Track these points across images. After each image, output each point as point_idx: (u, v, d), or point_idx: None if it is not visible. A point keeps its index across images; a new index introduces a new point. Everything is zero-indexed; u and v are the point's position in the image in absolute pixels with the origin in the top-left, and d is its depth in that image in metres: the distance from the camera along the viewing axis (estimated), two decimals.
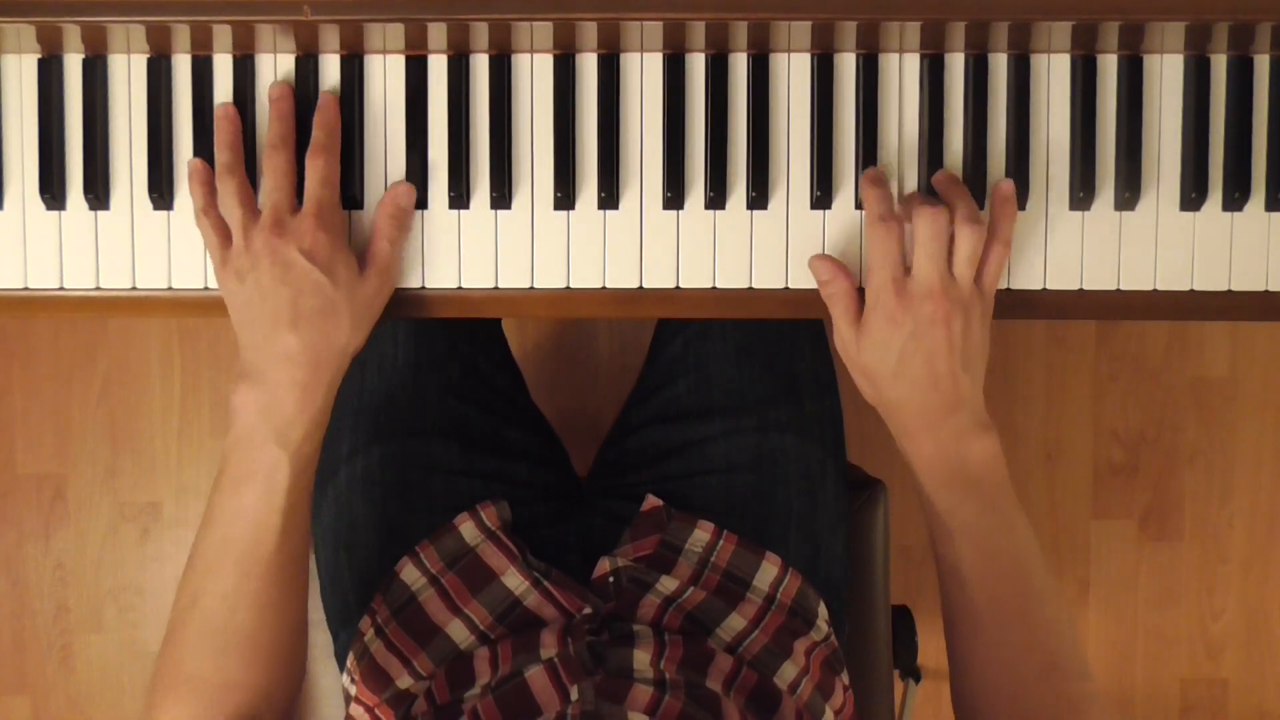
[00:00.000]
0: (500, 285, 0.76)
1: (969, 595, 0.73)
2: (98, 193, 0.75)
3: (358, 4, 0.70)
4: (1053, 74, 0.76)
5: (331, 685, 0.99)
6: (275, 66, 0.75)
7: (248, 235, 0.71)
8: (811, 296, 0.76)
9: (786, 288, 0.76)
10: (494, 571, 0.83)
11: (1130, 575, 1.63)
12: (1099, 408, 1.63)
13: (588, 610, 0.79)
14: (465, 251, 0.76)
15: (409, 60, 0.75)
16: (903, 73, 0.76)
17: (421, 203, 0.75)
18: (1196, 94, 0.75)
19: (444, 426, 0.90)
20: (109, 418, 1.61)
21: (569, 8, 0.70)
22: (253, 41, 0.74)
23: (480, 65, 0.75)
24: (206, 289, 0.76)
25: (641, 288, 0.76)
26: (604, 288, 0.76)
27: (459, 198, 0.75)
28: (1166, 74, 0.76)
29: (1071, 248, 0.76)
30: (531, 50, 0.75)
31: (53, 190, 0.75)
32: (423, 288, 0.76)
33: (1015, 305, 0.77)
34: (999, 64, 0.76)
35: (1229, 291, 0.77)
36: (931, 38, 0.73)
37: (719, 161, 0.75)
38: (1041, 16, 0.70)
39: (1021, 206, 0.76)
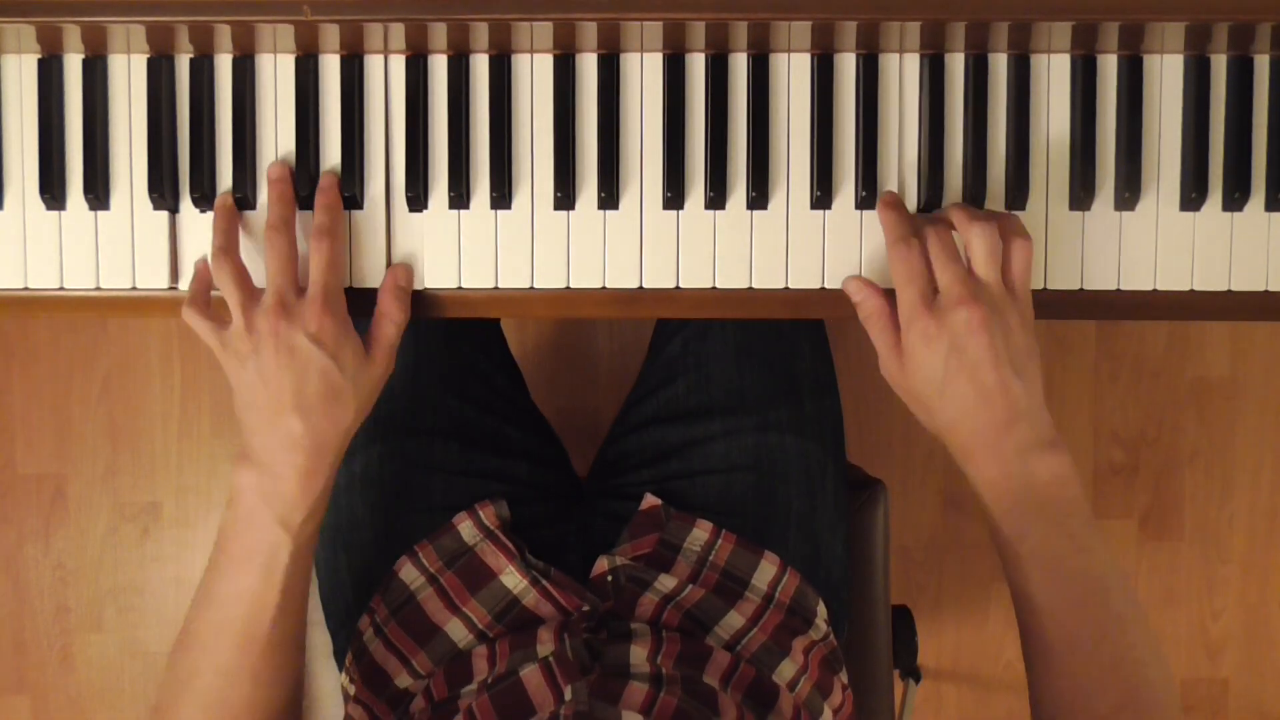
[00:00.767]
0: (500, 285, 0.76)
1: (1041, 623, 0.69)
2: (98, 193, 0.75)
3: (358, 4, 0.70)
4: (1053, 74, 0.76)
5: (331, 685, 0.99)
6: (275, 66, 0.75)
7: (249, 316, 0.70)
8: (811, 296, 0.76)
9: (786, 288, 0.76)
10: (493, 570, 0.83)
11: (1130, 575, 1.64)
12: (1099, 408, 1.63)
13: (585, 609, 0.79)
14: (465, 251, 0.76)
15: (409, 60, 0.75)
16: (903, 73, 0.76)
17: (422, 203, 0.75)
18: (1196, 94, 0.76)
19: (443, 426, 0.90)
20: (109, 418, 1.61)
21: (569, 8, 0.70)
22: (253, 41, 0.74)
23: (480, 65, 0.75)
24: None
25: (641, 288, 0.76)
26: (604, 288, 0.76)
27: (459, 198, 0.75)
28: (1166, 74, 0.76)
29: (1072, 248, 0.76)
30: (531, 50, 0.75)
31: (53, 190, 0.75)
32: (423, 288, 0.76)
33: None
34: (999, 64, 0.76)
35: (1229, 291, 0.77)
36: (931, 38, 0.73)
37: (719, 161, 0.75)
38: (1041, 16, 0.70)
39: (1021, 206, 0.76)
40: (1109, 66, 0.76)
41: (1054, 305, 0.77)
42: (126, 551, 1.62)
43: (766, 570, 0.85)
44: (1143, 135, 0.76)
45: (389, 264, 0.76)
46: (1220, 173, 0.76)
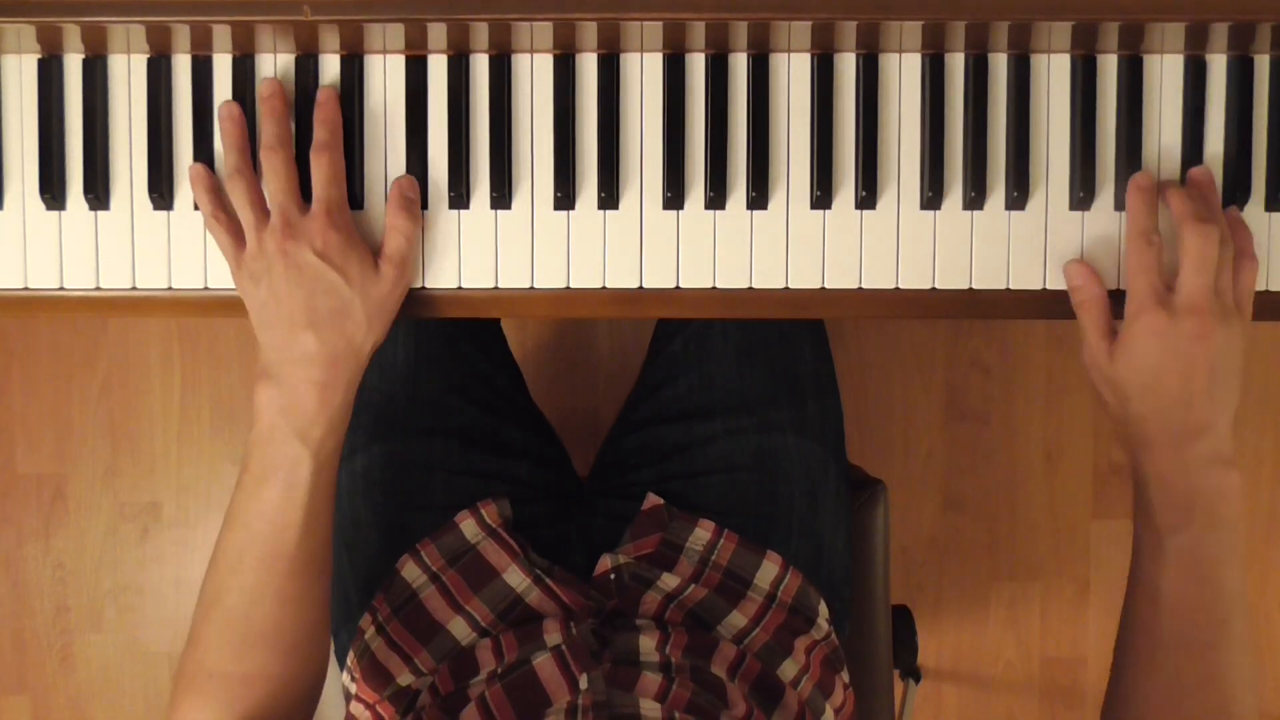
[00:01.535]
0: (500, 285, 0.76)
1: (1160, 618, 0.71)
2: (98, 193, 0.75)
3: (358, 4, 0.70)
4: (1053, 74, 0.76)
5: (332, 685, 0.99)
6: (275, 66, 0.75)
7: (260, 237, 0.71)
8: (811, 296, 0.76)
9: (786, 288, 0.76)
10: (495, 569, 0.83)
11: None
12: (1099, 408, 1.63)
13: (589, 606, 0.79)
14: (465, 251, 0.76)
15: (409, 60, 0.75)
16: (903, 73, 0.76)
17: (422, 203, 0.75)
18: (1196, 94, 0.75)
19: (444, 425, 0.90)
20: (109, 418, 1.61)
21: (569, 8, 0.70)
22: (253, 41, 0.74)
23: (480, 65, 0.75)
24: (206, 289, 0.76)
25: (641, 288, 0.76)
26: (604, 288, 0.76)
27: (459, 198, 0.75)
28: (1166, 74, 0.76)
29: (1071, 248, 0.76)
30: (531, 50, 0.75)
31: (53, 190, 0.75)
32: (423, 288, 0.76)
33: (1019, 305, 0.77)
34: (999, 64, 0.76)
35: None
36: (931, 38, 0.73)
37: (719, 161, 0.75)
38: (1041, 16, 0.70)
39: (1021, 207, 0.76)
40: (1109, 66, 0.76)
41: (1054, 305, 0.77)
42: (126, 551, 1.62)
43: (769, 570, 0.85)
44: (1143, 135, 0.76)
45: None
46: (1220, 173, 0.76)
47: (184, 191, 0.75)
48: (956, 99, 0.76)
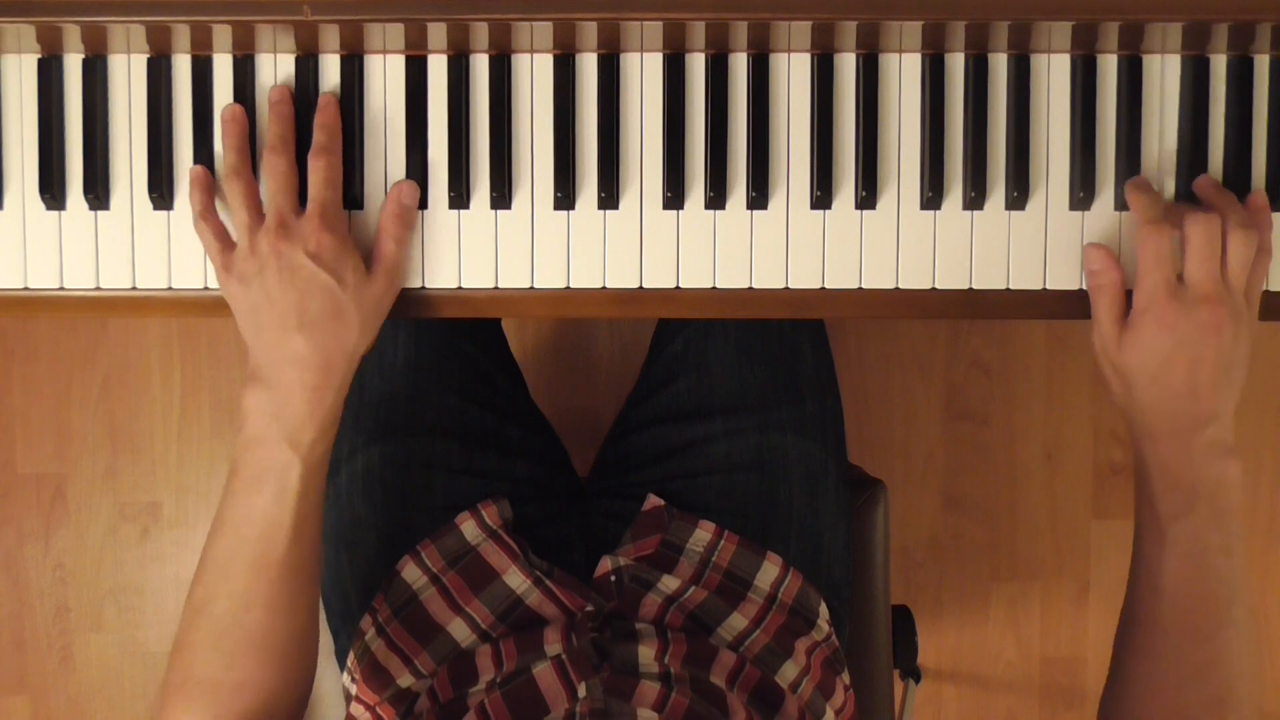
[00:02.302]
0: (500, 285, 0.76)
1: (1160, 605, 0.71)
2: (98, 193, 0.75)
3: (358, 4, 0.70)
4: (1053, 74, 0.76)
5: (332, 685, 0.99)
6: (275, 66, 0.75)
7: (253, 238, 0.70)
8: (811, 296, 0.76)
9: (787, 288, 0.76)
10: (495, 570, 0.83)
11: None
12: (1099, 408, 1.63)
13: (589, 609, 0.79)
14: (465, 251, 0.76)
15: (409, 60, 0.75)
16: (903, 73, 0.76)
17: (421, 203, 0.75)
18: (1196, 94, 0.75)
19: (445, 425, 0.90)
20: (109, 418, 1.61)
21: (569, 8, 0.70)
22: (253, 41, 0.74)
23: (480, 65, 0.75)
24: (206, 289, 0.76)
25: (641, 288, 0.76)
26: (604, 288, 0.76)
27: (459, 198, 0.75)
28: (1167, 74, 0.76)
29: (1072, 247, 0.76)
30: (531, 50, 0.75)
31: (53, 190, 0.75)
32: (423, 288, 0.76)
33: (1019, 305, 0.77)
34: (999, 64, 0.76)
35: None
36: (931, 38, 0.73)
37: (719, 161, 0.75)
38: (1041, 16, 0.70)
39: (1021, 207, 0.76)
40: (1109, 66, 0.76)
41: (1054, 305, 0.77)
42: (126, 551, 1.62)
43: (769, 571, 0.85)
44: (1143, 135, 0.76)
45: None
46: (1220, 173, 0.76)
47: (184, 191, 0.75)
48: (956, 99, 0.76)
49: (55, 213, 0.76)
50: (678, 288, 0.76)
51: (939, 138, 0.75)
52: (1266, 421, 1.63)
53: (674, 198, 0.75)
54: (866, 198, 0.75)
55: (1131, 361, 0.71)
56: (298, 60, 0.75)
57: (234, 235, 0.73)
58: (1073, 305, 0.77)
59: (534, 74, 0.75)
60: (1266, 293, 0.76)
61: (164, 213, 0.76)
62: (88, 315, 0.78)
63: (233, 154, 0.72)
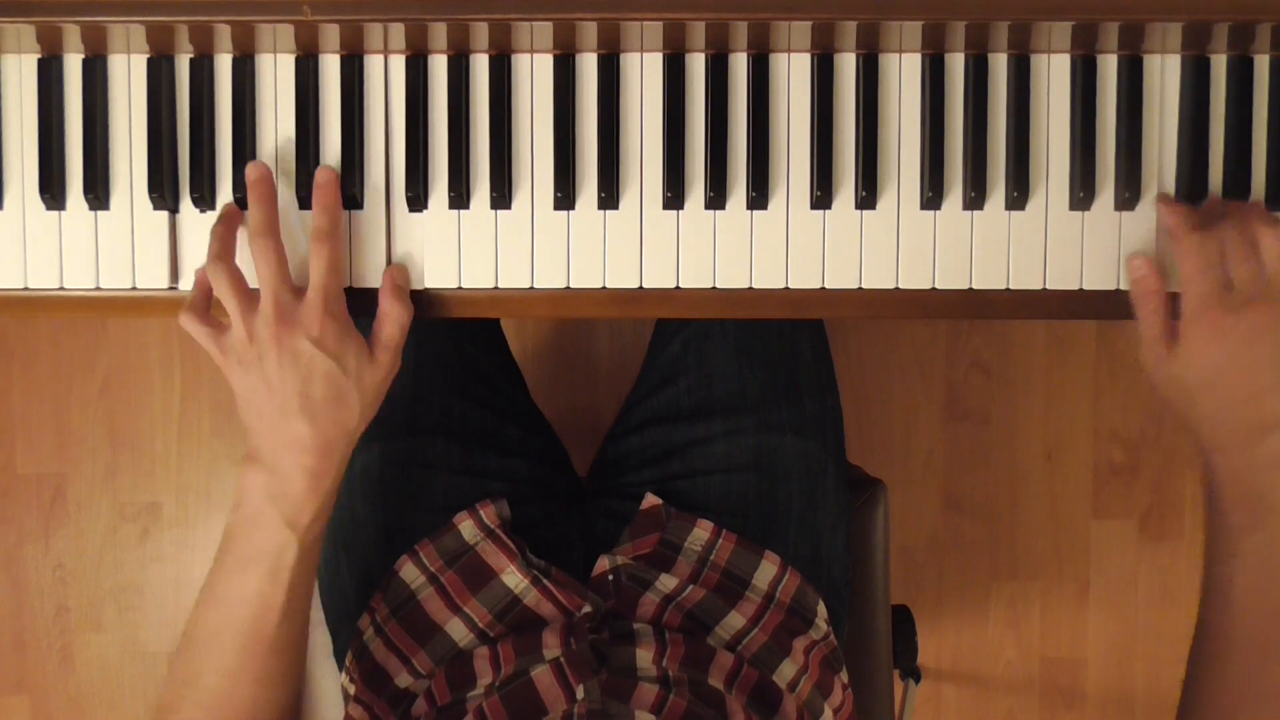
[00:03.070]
0: (500, 285, 0.76)
1: (1230, 620, 0.69)
2: (98, 193, 0.75)
3: (358, 4, 0.70)
4: (1053, 74, 0.76)
5: (331, 685, 0.99)
6: (275, 66, 0.75)
7: (249, 324, 0.70)
8: (811, 296, 0.76)
9: (786, 288, 0.76)
10: (493, 570, 0.83)
11: (1130, 575, 1.64)
12: (1099, 408, 1.63)
13: (587, 608, 0.79)
14: (465, 251, 0.76)
15: (409, 60, 0.75)
16: (903, 73, 0.76)
17: (422, 203, 0.75)
18: (1196, 94, 0.76)
19: (444, 425, 0.90)
20: (109, 418, 1.61)
21: (569, 8, 0.70)
22: (253, 41, 0.74)
23: (480, 65, 0.75)
24: None
25: (641, 288, 0.76)
26: (604, 288, 0.76)
27: (459, 198, 0.75)
28: (1167, 74, 0.76)
29: (1072, 248, 0.76)
30: (531, 50, 0.75)
31: (53, 190, 0.75)
32: (423, 288, 0.76)
33: (1019, 305, 0.77)
34: (999, 64, 0.76)
35: None
36: (931, 38, 0.73)
37: (719, 161, 0.75)
38: (1041, 16, 0.70)
39: (1021, 207, 0.76)
40: (1109, 66, 0.76)
41: (1054, 305, 0.77)
42: (126, 551, 1.62)
43: (767, 570, 0.85)
44: (1143, 135, 0.76)
45: (389, 264, 0.76)
46: (1220, 173, 0.76)
47: (184, 192, 0.75)
48: (956, 99, 0.76)
49: (55, 213, 0.76)
50: (677, 288, 0.76)
51: (939, 138, 0.75)
52: None
53: (674, 198, 0.75)
54: (866, 198, 0.75)
55: (1186, 372, 0.70)
56: (298, 60, 0.75)
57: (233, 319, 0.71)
58: (1072, 305, 0.77)
59: (534, 74, 0.75)
60: None
61: (164, 213, 0.76)
62: (88, 315, 0.78)
63: (216, 242, 0.71)
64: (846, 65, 0.75)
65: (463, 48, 0.75)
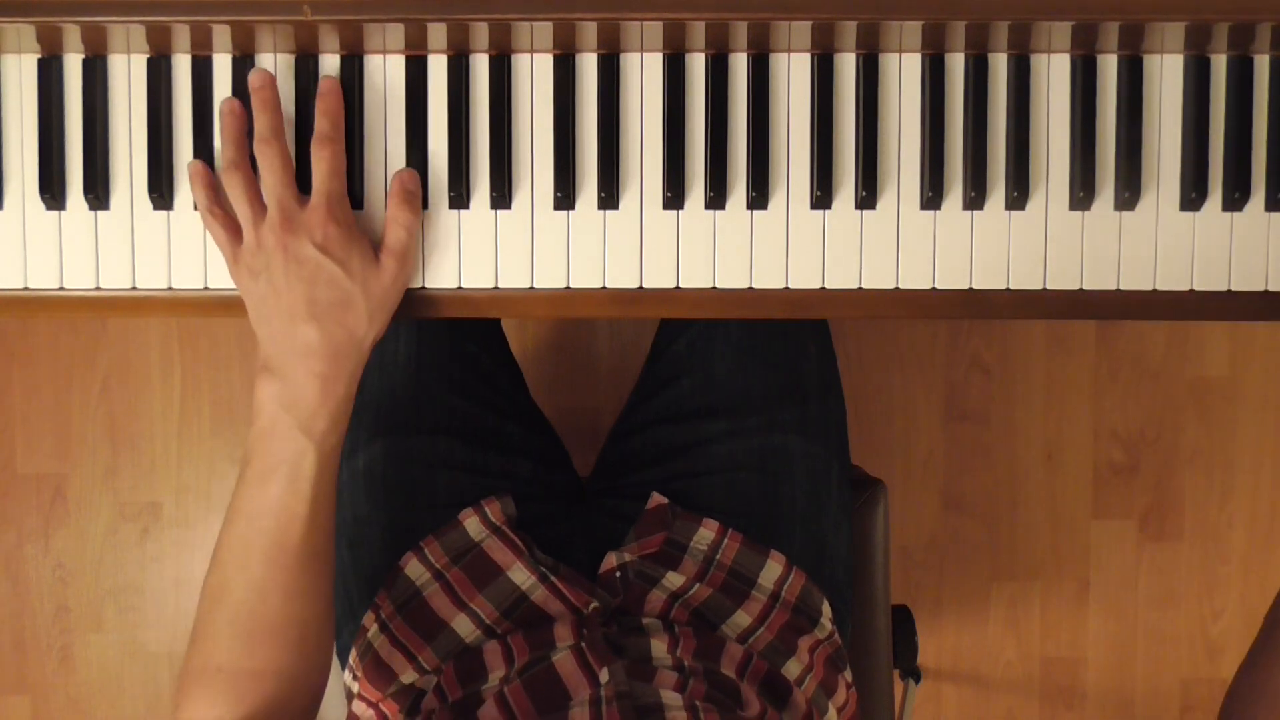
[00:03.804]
0: (500, 285, 0.76)
1: None
2: (98, 193, 0.75)
3: (358, 4, 0.70)
4: (1053, 74, 0.76)
5: (333, 684, 0.99)
6: (275, 66, 0.75)
7: (258, 232, 0.70)
8: (812, 296, 0.76)
9: (787, 288, 0.76)
10: (500, 566, 0.83)
11: (1130, 575, 1.64)
12: (1099, 408, 1.63)
13: (595, 605, 0.79)
14: (465, 251, 0.76)
15: (409, 60, 0.75)
16: (903, 73, 0.76)
17: (422, 202, 0.75)
18: (1196, 94, 0.75)
19: (446, 423, 0.90)
20: (109, 418, 1.61)
21: (569, 8, 0.70)
22: (253, 41, 0.74)
23: (480, 65, 0.75)
24: (206, 289, 0.76)
25: (641, 288, 0.76)
26: (604, 288, 0.76)
27: (459, 198, 0.75)
28: (1166, 74, 0.76)
29: (1071, 248, 0.76)
30: (531, 50, 0.75)
31: (53, 190, 0.75)
32: (423, 288, 0.76)
33: (1019, 305, 0.77)
34: (999, 64, 0.76)
35: (1229, 291, 0.77)
36: (931, 38, 0.73)
37: (719, 161, 0.75)
38: (1041, 16, 0.70)
39: (1021, 207, 0.76)
40: (1109, 66, 0.76)
41: (1054, 305, 0.77)
42: (126, 551, 1.62)
43: (773, 569, 0.85)
44: (1143, 135, 0.76)
45: None
46: (1220, 173, 0.76)
47: (184, 191, 0.75)
48: (956, 99, 0.76)
49: (55, 213, 0.76)
50: (678, 288, 0.76)
51: (939, 138, 0.75)
52: (1267, 422, 1.63)
53: (674, 198, 0.75)
54: (866, 198, 0.75)
55: None
56: (297, 60, 0.75)
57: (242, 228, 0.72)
58: (1072, 305, 0.77)
59: (534, 74, 0.75)
60: (1265, 293, 0.76)
61: (164, 213, 0.76)
62: (88, 315, 0.77)
63: (231, 147, 0.72)
64: (846, 65, 0.75)
65: (463, 48, 0.75)
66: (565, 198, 0.75)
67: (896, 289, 0.76)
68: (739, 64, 0.75)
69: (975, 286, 0.76)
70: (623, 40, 0.74)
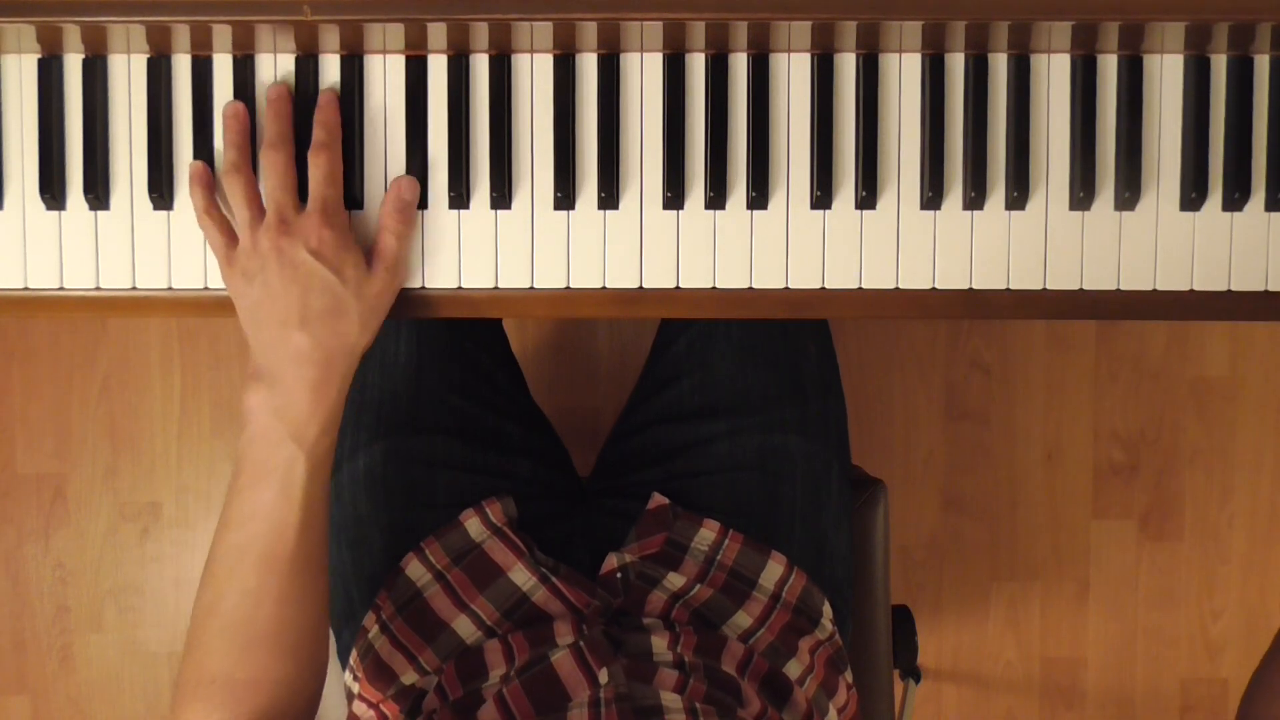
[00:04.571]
0: (500, 285, 0.76)
1: None
2: (98, 193, 0.75)
3: (358, 4, 0.70)
4: (1053, 74, 0.76)
5: (333, 685, 0.99)
6: (275, 66, 0.75)
7: (254, 235, 0.71)
8: (811, 296, 0.76)
9: (787, 288, 0.76)
10: (501, 567, 0.83)
11: (1130, 575, 1.64)
12: (1099, 408, 1.63)
13: (596, 605, 0.79)
14: (465, 251, 0.76)
15: (409, 60, 0.75)
16: (903, 73, 0.76)
17: (421, 203, 0.75)
18: (1196, 94, 0.75)
19: (447, 424, 0.90)
20: (109, 418, 1.61)
21: (569, 8, 0.70)
22: (253, 41, 0.74)
23: (480, 65, 0.75)
24: (206, 289, 0.76)
25: (641, 288, 0.76)
26: (604, 288, 0.76)
27: (459, 198, 0.75)
28: (1166, 74, 0.76)
29: (1071, 248, 0.76)
30: (531, 50, 0.75)
31: (53, 190, 0.75)
32: (423, 288, 0.76)
33: (1019, 305, 0.77)
34: (999, 64, 0.76)
35: (1229, 291, 0.77)
36: (931, 38, 0.73)
37: (719, 161, 0.75)
38: (1041, 16, 0.70)
39: (1021, 207, 0.76)
40: (1109, 66, 0.76)
41: (1054, 305, 0.77)
42: (126, 551, 1.62)
43: (774, 570, 0.85)
44: (1143, 135, 0.76)
45: None
46: (1220, 173, 0.76)
47: (184, 191, 0.75)
48: (956, 99, 0.76)
49: (55, 213, 0.76)
50: (678, 288, 0.76)
51: (939, 138, 0.75)
52: (1266, 422, 1.63)
53: (674, 198, 0.75)
54: (866, 198, 0.75)
55: None
56: (298, 60, 0.75)
57: (237, 231, 0.73)
58: (1072, 305, 0.77)
59: (534, 74, 0.75)
60: (1265, 293, 0.76)
61: (164, 213, 0.76)
62: (88, 315, 0.78)
63: (233, 150, 0.72)
64: (846, 65, 0.75)
65: (463, 48, 0.75)
66: (565, 198, 0.75)
67: (896, 289, 0.76)
68: (739, 64, 0.75)
69: (975, 286, 0.76)
70: (623, 40, 0.74)
